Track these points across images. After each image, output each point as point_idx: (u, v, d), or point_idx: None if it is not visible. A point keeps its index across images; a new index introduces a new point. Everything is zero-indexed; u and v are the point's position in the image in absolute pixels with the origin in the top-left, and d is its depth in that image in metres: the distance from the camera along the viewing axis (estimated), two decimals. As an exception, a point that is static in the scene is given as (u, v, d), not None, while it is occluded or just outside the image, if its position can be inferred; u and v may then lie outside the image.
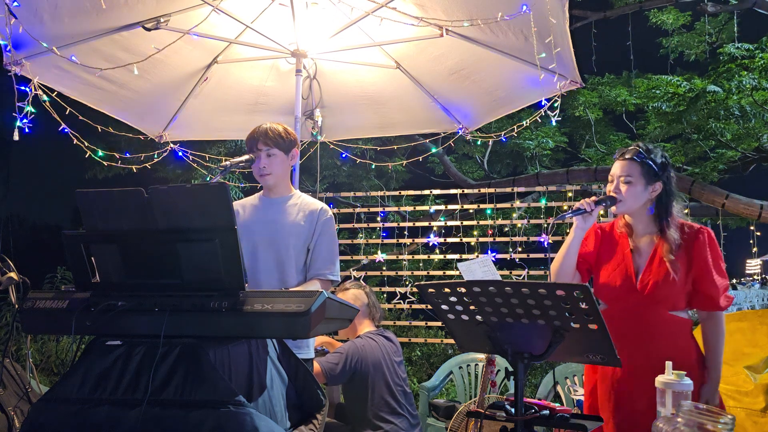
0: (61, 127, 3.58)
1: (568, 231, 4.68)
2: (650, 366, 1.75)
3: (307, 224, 2.40)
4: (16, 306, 2.56)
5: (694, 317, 2.20)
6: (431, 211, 5.27)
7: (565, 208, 4.78)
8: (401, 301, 4.89)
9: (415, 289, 4.79)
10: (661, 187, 2.12)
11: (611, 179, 2.16)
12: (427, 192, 5.38)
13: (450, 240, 5.03)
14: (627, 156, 2.12)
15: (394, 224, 5.22)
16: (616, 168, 2.14)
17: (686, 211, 7.83)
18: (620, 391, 2.04)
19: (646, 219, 2.15)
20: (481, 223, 4.93)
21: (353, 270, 5.23)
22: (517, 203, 6.23)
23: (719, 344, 2.06)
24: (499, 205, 5.03)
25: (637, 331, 2.04)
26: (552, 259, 2.27)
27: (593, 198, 2.11)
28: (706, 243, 2.07)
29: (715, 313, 2.08)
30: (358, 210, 5.13)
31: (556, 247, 4.90)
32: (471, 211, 5.13)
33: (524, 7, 2.84)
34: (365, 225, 5.20)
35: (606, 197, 2.14)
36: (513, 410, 1.51)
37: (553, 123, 3.60)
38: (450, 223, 5.14)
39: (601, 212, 2.22)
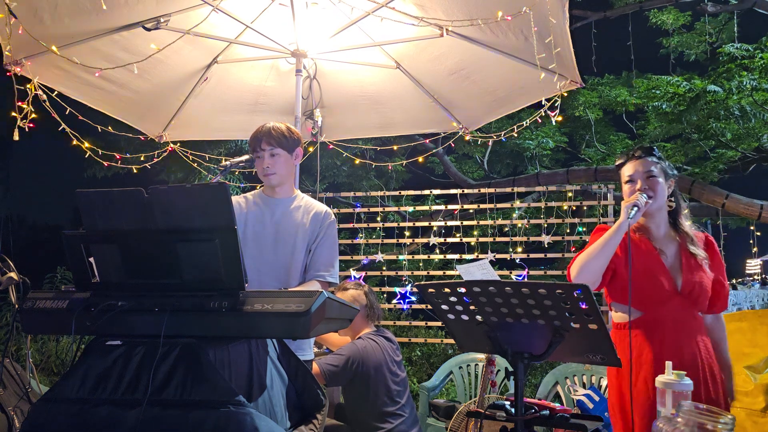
0: (60, 127, 3.58)
1: (567, 231, 4.72)
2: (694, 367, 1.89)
3: (311, 226, 2.42)
4: (16, 306, 2.55)
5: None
6: (431, 211, 5.26)
7: (565, 208, 4.77)
8: (401, 302, 4.88)
9: (415, 289, 4.78)
10: (673, 184, 2.12)
11: (631, 179, 2.06)
12: (427, 192, 5.38)
13: (450, 240, 5.03)
14: (641, 155, 2.07)
15: (394, 224, 5.22)
16: (633, 167, 2.07)
17: (685, 211, 7.83)
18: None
19: (664, 218, 2.12)
20: (481, 223, 4.93)
21: (353, 270, 5.22)
22: (517, 203, 6.23)
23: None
24: (499, 205, 5.02)
25: (678, 335, 1.99)
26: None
27: (637, 195, 1.98)
28: (715, 245, 2.13)
29: (721, 314, 2.14)
30: (358, 210, 5.14)
31: (556, 246, 4.92)
32: (471, 211, 5.12)
33: (524, 8, 2.84)
34: (365, 225, 5.20)
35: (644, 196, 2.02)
36: (513, 410, 1.51)
37: (554, 123, 3.60)
38: (450, 223, 5.13)
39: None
